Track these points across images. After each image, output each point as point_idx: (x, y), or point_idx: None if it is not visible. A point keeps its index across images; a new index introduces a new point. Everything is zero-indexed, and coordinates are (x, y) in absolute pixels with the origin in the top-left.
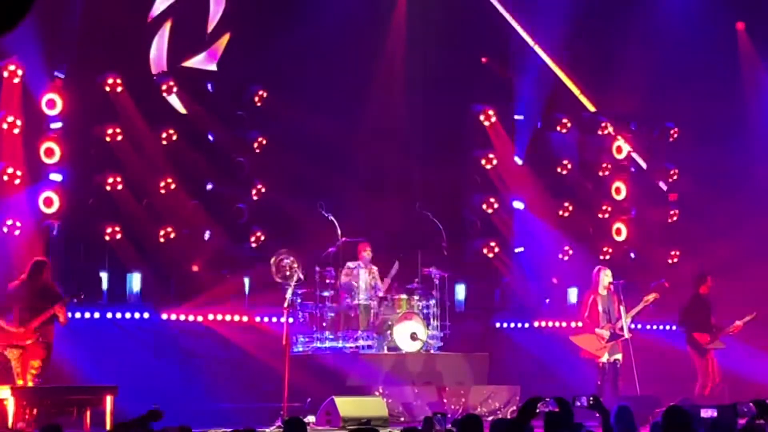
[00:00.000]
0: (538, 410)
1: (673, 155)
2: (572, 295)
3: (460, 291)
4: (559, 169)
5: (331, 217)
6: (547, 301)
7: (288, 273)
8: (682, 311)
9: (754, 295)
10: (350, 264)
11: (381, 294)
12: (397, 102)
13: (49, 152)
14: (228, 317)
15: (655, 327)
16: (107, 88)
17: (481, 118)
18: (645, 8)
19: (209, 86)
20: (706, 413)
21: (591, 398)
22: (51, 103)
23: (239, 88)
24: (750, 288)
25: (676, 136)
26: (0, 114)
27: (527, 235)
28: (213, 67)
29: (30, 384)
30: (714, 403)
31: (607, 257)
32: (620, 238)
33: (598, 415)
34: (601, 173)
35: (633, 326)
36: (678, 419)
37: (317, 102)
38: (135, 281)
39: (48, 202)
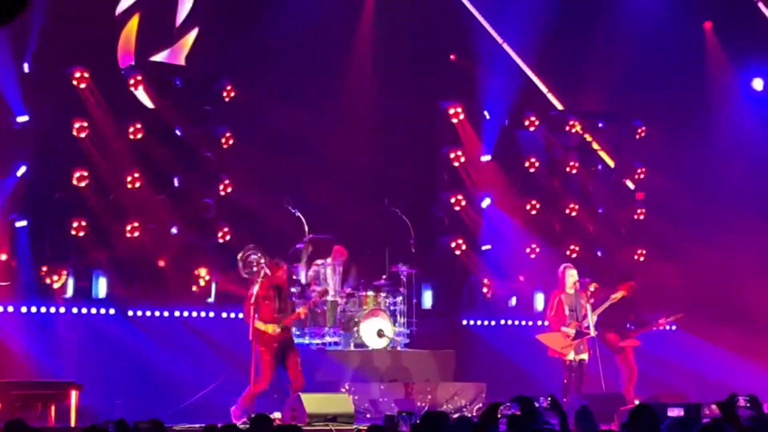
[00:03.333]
0: (499, 415)
1: (640, 153)
2: (539, 300)
3: (428, 288)
4: (527, 167)
5: (298, 214)
6: (513, 302)
7: (255, 269)
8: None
9: (717, 293)
10: (318, 261)
11: (348, 290)
12: (366, 98)
13: (15, 146)
14: (194, 313)
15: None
16: (74, 82)
17: (450, 115)
18: (613, 7)
19: (177, 81)
20: (673, 412)
21: (549, 399)
22: (17, 97)
23: (207, 83)
24: (714, 283)
25: (643, 134)
26: None
27: (495, 232)
28: (181, 62)
29: None
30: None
31: (574, 255)
32: (586, 237)
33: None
34: (568, 171)
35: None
36: (645, 417)
37: (285, 98)
38: (101, 277)
39: (13, 196)
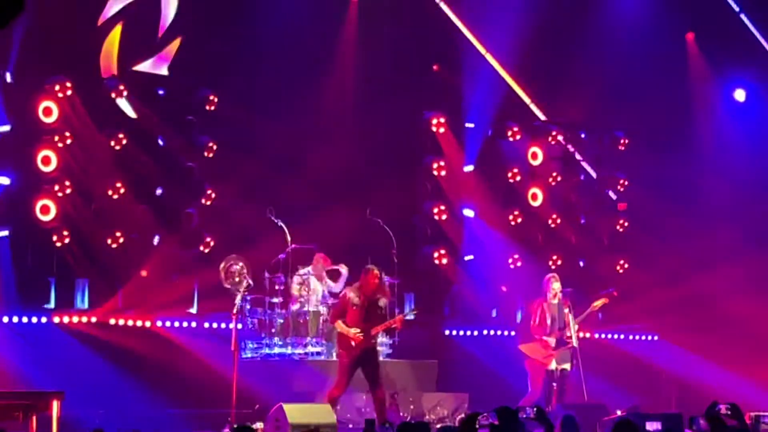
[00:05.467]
0: (478, 425)
1: (622, 164)
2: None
3: (410, 298)
4: (509, 178)
5: (281, 224)
6: (494, 313)
7: (237, 279)
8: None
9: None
10: (301, 270)
11: (330, 301)
12: (348, 108)
13: None
14: (176, 323)
15: (603, 336)
16: (57, 92)
17: (432, 125)
18: (595, 18)
19: (160, 91)
20: (651, 426)
21: (535, 410)
22: None
23: (190, 92)
24: (695, 293)
25: (625, 145)
26: None
27: (477, 243)
28: (164, 72)
29: None
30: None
31: (557, 265)
32: (569, 247)
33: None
34: (550, 182)
35: (581, 334)
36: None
37: (268, 108)
38: (83, 286)
39: None
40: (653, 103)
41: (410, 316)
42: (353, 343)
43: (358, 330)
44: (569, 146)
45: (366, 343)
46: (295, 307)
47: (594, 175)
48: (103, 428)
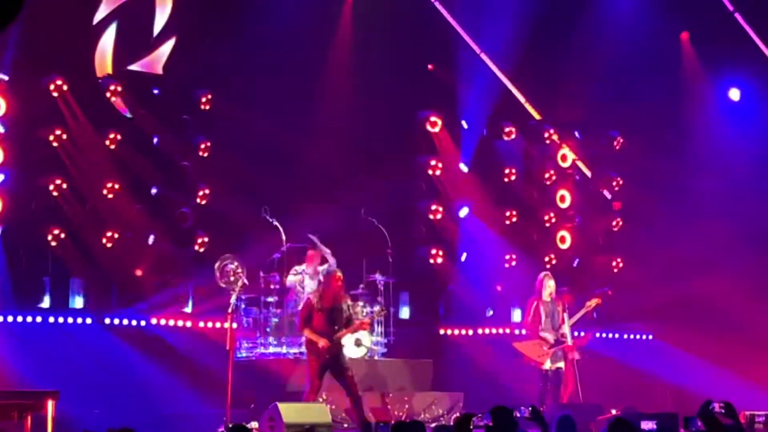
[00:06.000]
0: (472, 426)
1: (617, 164)
2: (516, 314)
3: (405, 298)
4: (504, 177)
5: (276, 223)
6: (491, 312)
7: (232, 278)
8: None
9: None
10: (297, 267)
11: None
12: (343, 108)
13: None
14: (171, 322)
15: (598, 335)
16: (51, 91)
17: (427, 125)
18: (590, 17)
19: (155, 90)
20: (647, 425)
21: (530, 409)
22: None
23: (185, 92)
24: (690, 292)
25: (620, 144)
26: None
27: (472, 242)
28: (159, 71)
29: None
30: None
31: (552, 264)
32: (564, 246)
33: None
34: (546, 181)
35: (576, 334)
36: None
37: (263, 107)
38: (78, 286)
39: None
40: (648, 102)
41: (377, 318)
42: (321, 351)
43: (325, 341)
44: (564, 146)
45: (334, 349)
46: (292, 299)
47: (589, 174)
48: (95, 429)
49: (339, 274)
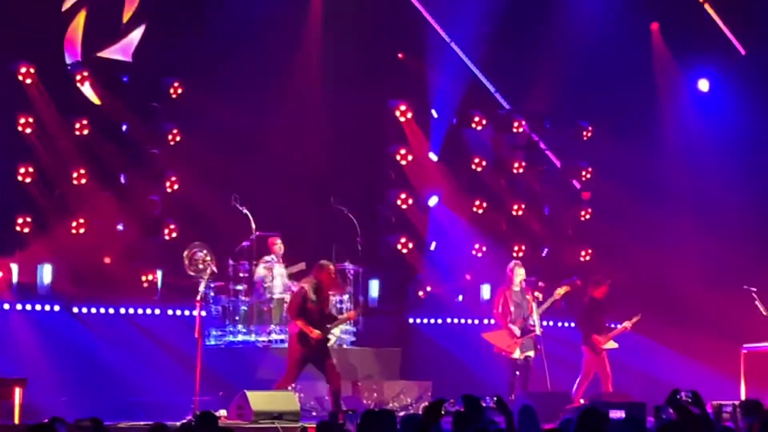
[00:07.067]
0: (444, 411)
1: (586, 154)
2: (485, 291)
3: (374, 286)
4: (473, 166)
5: (246, 211)
6: (461, 298)
7: (201, 266)
8: (579, 315)
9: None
10: (267, 258)
11: (294, 288)
12: (313, 96)
13: None
14: (140, 310)
15: (566, 324)
16: (20, 77)
17: (397, 113)
18: (560, 7)
19: (124, 77)
20: (615, 414)
21: (495, 399)
22: None
23: (154, 79)
24: (658, 282)
25: (589, 134)
26: None
27: (441, 231)
28: (128, 58)
29: None
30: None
31: (520, 254)
32: (533, 236)
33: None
34: (514, 170)
35: (544, 323)
36: (593, 420)
37: (232, 95)
38: (46, 273)
39: None
40: (618, 92)
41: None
42: (313, 342)
43: (318, 332)
44: (533, 135)
45: (324, 340)
46: (259, 292)
47: (558, 164)
48: (63, 417)
49: (332, 267)
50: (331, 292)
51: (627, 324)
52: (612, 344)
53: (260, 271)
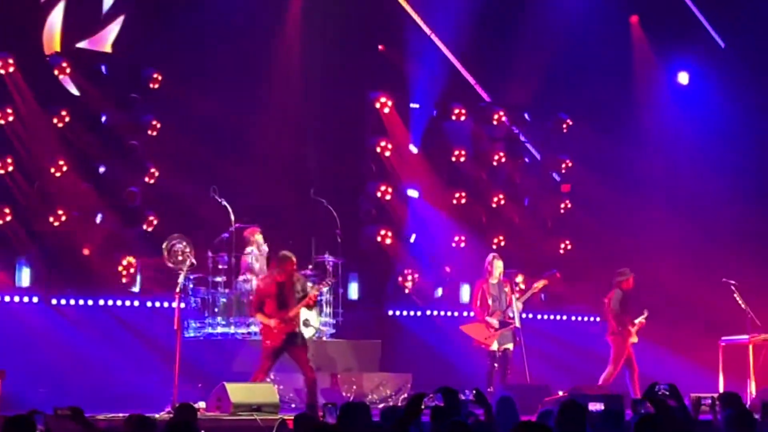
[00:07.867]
0: (423, 406)
1: (566, 146)
2: (465, 291)
3: (354, 279)
4: (453, 158)
5: (225, 203)
6: (440, 292)
7: (180, 258)
8: (611, 307)
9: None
10: (248, 249)
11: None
12: (293, 88)
13: None
14: (119, 302)
15: (546, 317)
16: None
17: (377, 105)
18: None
19: (103, 68)
20: (594, 406)
21: (474, 392)
22: None
23: (134, 70)
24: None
25: (569, 127)
26: None
27: (421, 223)
28: (107, 49)
29: None
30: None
31: (501, 244)
32: (512, 228)
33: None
34: (494, 162)
35: (524, 315)
36: (573, 413)
37: (212, 86)
38: (25, 264)
39: None
40: (597, 85)
41: (324, 289)
42: (275, 331)
43: (277, 320)
44: (513, 127)
45: (288, 328)
46: (243, 279)
47: (538, 156)
48: (42, 409)
49: (293, 258)
50: (295, 279)
51: (642, 319)
52: (635, 338)
53: (249, 258)
